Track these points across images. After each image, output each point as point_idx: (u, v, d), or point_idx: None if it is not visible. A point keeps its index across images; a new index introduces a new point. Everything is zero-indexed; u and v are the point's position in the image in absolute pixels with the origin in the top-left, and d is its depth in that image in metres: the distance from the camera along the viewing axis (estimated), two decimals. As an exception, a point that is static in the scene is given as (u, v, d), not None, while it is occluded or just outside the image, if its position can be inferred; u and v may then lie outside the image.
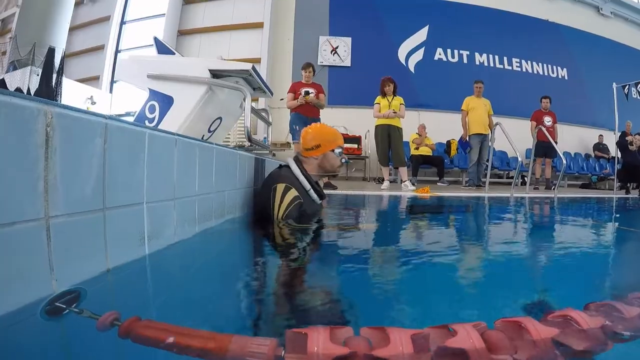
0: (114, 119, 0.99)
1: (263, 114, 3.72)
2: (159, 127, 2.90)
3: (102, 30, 11.17)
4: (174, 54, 3.52)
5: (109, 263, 0.96)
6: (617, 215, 3.94)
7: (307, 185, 2.18)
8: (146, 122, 3.00)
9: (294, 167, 2.20)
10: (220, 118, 3.05)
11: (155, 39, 3.51)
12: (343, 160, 2.41)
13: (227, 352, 0.54)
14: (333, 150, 2.33)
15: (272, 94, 3.40)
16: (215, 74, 2.80)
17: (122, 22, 11.36)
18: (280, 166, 2.30)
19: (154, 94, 2.99)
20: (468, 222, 3.09)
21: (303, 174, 2.18)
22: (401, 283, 1.17)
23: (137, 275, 1.06)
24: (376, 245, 1.87)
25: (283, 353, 0.53)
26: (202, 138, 3.01)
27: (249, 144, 2.94)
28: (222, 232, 1.73)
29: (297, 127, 5.48)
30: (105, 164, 0.94)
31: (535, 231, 2.69)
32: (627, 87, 8.11)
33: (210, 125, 3.03)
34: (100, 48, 11.05)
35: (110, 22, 11.10)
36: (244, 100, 2.59)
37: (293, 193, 2.07)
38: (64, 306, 0.71)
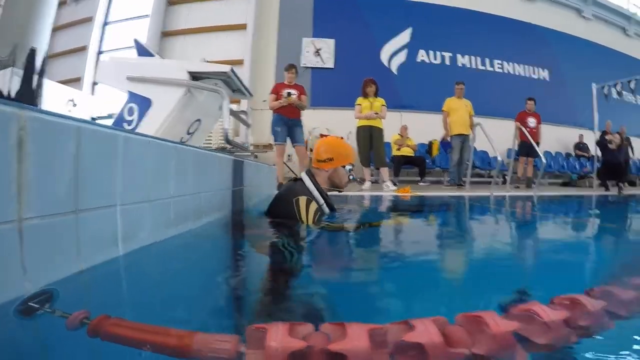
0: (87, 122, 1.04)
1: (243, 115, 3.75)
2: (138, 129, 2.93)
3: (84, 31, 11.03)
4: (153, 56, 3.54)
5: (82, 264, 0.99)
6: (589, 212, 4.11)
7: (321, 200, 2.22)
8: (125, 124, 3.02)
9: (308, 183, 2.24)
10: (199, 120, 3.08)
11: (136, 41, 3.53)
12: (351, 177, 2.47)
13: (192, 348, 0.56)
14: (344, 166, 2.38)
15: (251, 95, 3.45)
16: (194, 76, 2.84)
17: (105, 23, 11.24)
18: (295, 179, 2.35)
19: (132, 97, 3.02)
20: (447, 220, 3.19)
21: (316, 188, 2.23)
22: (381, 282, 1.23)
23: (110, 275, 1.10)
24: (358, 245, 1.93)
25: (243, 349, 0.56)
26: (181, 140, 3.04)
27: (230, 145, 2.98)
28: (198, 234, 1.76)
29: (279, 128, 5.51)
30: (79, 167, 0.97)
31: (510, 227, 2.80)
32: (605, 87, 8.40)
33: (190, 127, 3.06)
34: (83, 49, 10.92)
35: (92, 23, 10.98)
36: (223, 102, 2.62)
37: (315, 205, 2.13)
38: (37, 306, 0.73)
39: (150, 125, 2.85)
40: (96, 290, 0.98)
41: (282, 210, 2.16)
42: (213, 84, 2.83)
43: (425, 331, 0.59)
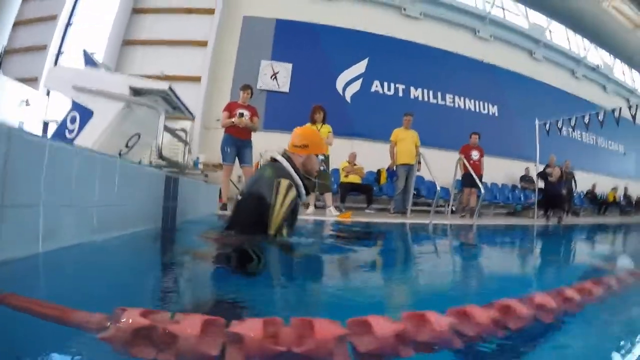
0: (18, 129, 1.24)
1: (181, 133, 3.94)
2: (78, 137, 3.07)
3: (46, 30, 10.71)
4: (99, 68, 3.70)
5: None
6: (512, 239, 4.59)
7: (299, 181, 2.33)
8: (67, 132, 3.15)
9: (286, 164, 2.36)
10: (138, 134, 3.25)
11: (84, 51, 3.68)
12: (322, 168, 2.65)
13: (70, 320, 0.79)
14: (317, 155, 2.59)
15: (191, 113, 3.66)
16: (136, 91, 3.04)
17: (68, 24, 11.00)
18: (273, 160, 2.44)
19: (76, 106, 3.18)
20: (373, 245, 3.42)
21: (294, 170, 2.36)
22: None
23: (30, 266, 1.29)
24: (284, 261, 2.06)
25: (109, 324, 0.75)
26: (120, 152, 3.20)
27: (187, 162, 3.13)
28: (120, 242, 1.94)
29: (228, 149, 5.65)
30: (7, 167, 1.17)
31: (427, 251, 3.13)
32: (547, 123, 9.23)
33: (129, 141, 3.23)
34: (42, 48, 10.65)
35: (56, 22, 10.69)
36: (158, 118, 2.82)
37: (293, 193, 2.20)
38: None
39: (90, 135, 3.00)
40: (15, 278, 1.17)
41: (259, 188, 2.19)
42: (153, 101, 3.03)
43: (245, 326, 0.74)
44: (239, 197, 2.36)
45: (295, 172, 2.36)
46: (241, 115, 5.64)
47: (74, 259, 1.50)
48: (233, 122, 5.60)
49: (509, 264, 2.68)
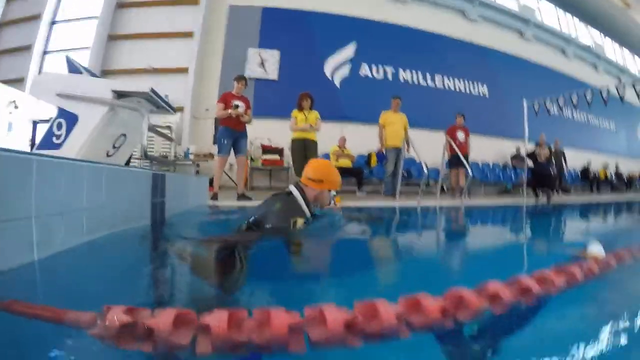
0: (4, 149, 1.38)
1: (166, 131, 4.06)
2: (66, 142, 3.20)
3: (30, 29, 10.75)
4: (82, 73, 3.79)
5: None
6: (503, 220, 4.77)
7: (308, 214, 2.46)
8: (54, 138, 3.27)
9: (299, 199, 2.48)
10: (124, 135, 3.38)
11: (67, 57, 3.77)
12: (331, 202, 2.77)
13: (64, 319, 0.92)
14: (330, 190, 2.67)
15: (174, 111, 3.78)
16: (119, 94, 3.16)
17: (53, 22, 10.96)
18: (288, 193, 2.56)
19: (61, 112, 3.29)
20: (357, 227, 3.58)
21: (306, 205, 2.47)
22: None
23: (27, 274, 1.44)
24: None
25: (98, 321, 0.85)
26: (107, 154, 3.34)
27: (173, 157, 3.26)
28: (113, 241, 2.09)
29: (225, 141, 5.72)
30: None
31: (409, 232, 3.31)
32: (535, 103, 9.35)
33: (115, 142, 3.35)
34: (28, 48, 10.64)
35: (40, 21, 10.69)
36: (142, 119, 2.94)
37: (304, 225, 2.33)
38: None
39: (77, 140, 3.13)
40: (15, 285, 1.32)
41: (274, 222, 2.29)
42: (136, 102, 3.15)
43: (217, 317, 0.84)
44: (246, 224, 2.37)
45: (306, 204, 2.47)
46: (236, 107, 5.74)
47: (66, 263, 1.65)
48: (230, 114, 5.68)
49: (487, 247, 2.87)
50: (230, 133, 5.76)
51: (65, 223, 1.73)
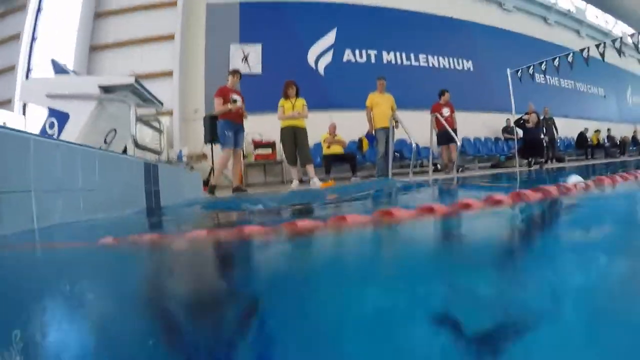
0: (4, 127, 1.50)
1: (154, 123, 4.19)
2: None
3: (12, 50, 10.74)
4: (68, 73, 3.92)
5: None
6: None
7: None
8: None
9: None
10: (114, 130, 3.50)
11: (52, 60, 3.90)
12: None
13: None
14: None
15: (161, 104, 3.90)
16: (106, 89, 3.28)
17: (33, 39, 10.99)
18: None
19: (52, 112, 3.42)
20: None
21: None
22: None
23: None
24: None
25: None
26: (100, 149, 3.45)
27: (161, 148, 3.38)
28: (104, 222, 2.22)
29: (229, 133, 5.80)
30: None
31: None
32: (519, 71, 9.46)
33: (106, 137, 3.48)
34: (11, 69, 10.66)
35: (20, 40, 10.65)
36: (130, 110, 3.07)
37: None
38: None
39: (69, 136, 3.24)
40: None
41: None
42: (123, 96, 3.28)
43: None
44: None
45: None
46: (234, 101, 5.84)
47: (64, 231, 1.78)
48: (230, 109, 5.78)
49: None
50: (231, 126, 5.85)
51: (62, 200, 1.86)
